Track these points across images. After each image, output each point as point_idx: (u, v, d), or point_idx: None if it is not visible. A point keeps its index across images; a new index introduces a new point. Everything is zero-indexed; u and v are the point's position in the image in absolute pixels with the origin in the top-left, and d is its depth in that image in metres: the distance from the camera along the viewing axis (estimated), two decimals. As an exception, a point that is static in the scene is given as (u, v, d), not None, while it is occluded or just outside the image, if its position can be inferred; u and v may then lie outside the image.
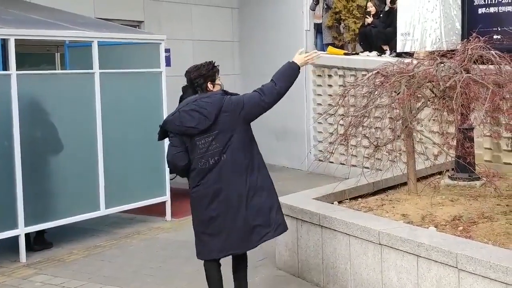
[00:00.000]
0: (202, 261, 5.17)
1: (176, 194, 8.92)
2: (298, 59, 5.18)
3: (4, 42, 7.90)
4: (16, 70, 6.79)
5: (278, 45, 12.56)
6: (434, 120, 6.74)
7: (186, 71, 4.97)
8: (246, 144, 4.96)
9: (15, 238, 6.85)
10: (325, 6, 11.87)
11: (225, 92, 4.95)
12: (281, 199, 6.44)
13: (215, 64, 4.98)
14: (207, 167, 4.84)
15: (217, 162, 4.83)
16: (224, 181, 4.84)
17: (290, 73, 5.10)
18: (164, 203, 8.47)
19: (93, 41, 7.61)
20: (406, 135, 6.52)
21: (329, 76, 11.55)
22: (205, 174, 4.85)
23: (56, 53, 10.29)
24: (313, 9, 12.05)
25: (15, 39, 6.82)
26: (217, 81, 4.96)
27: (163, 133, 5.00)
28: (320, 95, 11.77)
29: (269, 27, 12.78)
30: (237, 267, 5.18)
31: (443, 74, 6.15)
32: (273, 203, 5.02)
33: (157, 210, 8.54)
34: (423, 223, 5.59)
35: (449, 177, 7.07)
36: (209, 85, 4.92)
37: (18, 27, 7.08)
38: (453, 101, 5.89)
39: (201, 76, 4.89)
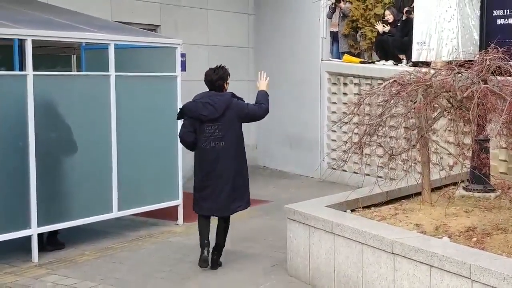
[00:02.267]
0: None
1: (188, 198, 8.87)
2: (263, 86, 6.82)
3: (21, 42, 7.95)
4: (33, 71, 6.82)
5: (293, 53, 12.57)
6: (450, 130, 6.71)
7: (206, 73, 6.59)
8: (238, 137, 6.58)
9: (28, 238, 6.88)
10: (341, 15, 11.86)
11: (233, 95, 6.60)
12: (294, 206, 6.48)
13: (225, 67, 6.63)
14: (208, 148, 6.47)
15: (215, 146, 6.45)
16: (218, 162, 6.46)
17: (266, 96, 6.75)
18: (176, 207, 8.48)
19: (109, 43, 7.65)
20: (422, 145, 6.49)
21: (345, 84, 11.52)
22: (206, 153, 6.48)
23: (72, 55, 10.32)
24: (329, 17, 12.04)
25: (32, 40, 6.85)
26: (228, 81, 6.62)
27: (181, 114, 6.63)
28: (335, 103, 11.74)
29: (285, 34, 12.78)
30: (219, 227, 6.71)
31: (460, 84, 6.13)
32: (247, 184, 6.71)
33: (169, 213, 8.55)
34: (436, 233, 5.55)
35: (463, 188, 7.02)
36: (225, 85, 6.59)
37: (35, 28, 7.11)
38: (470, 112, 5.86)
39: (220, 79, 6.54)
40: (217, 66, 6.65)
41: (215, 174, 6.47)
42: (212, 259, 6.58)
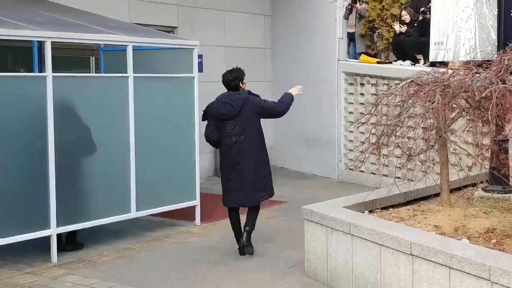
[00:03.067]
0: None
1: (206, 199, 8.95)
2: (291, 90, 7.36)
3: (40, 44, 8.02)
4: (52, 72, 6.87)
5: (310, 53, 12.56)
6: (468, 130, 6.67)
7: (223, 75, 7.15)
8: (257, 131, 7.09)
9: (47, 238, 6.93)
10: (358, 15, 11.83)
11: (250, 92, 7.12)
12: (311, 207, 6.47)
13: (241, 68, 7.21)
14: (230, 143, 7.00)
15: (237, 141, 6.98)
16: (241, 155, 6.98)
17: (289, 98, 7.26)
18: (194, 207, 8.50)
19: (128, 45, 7.69)
20: (440, 146, 6.46)
21: (362, 84, 11.50)
22: (229, 148, 7.03)
23: (91, 57, 10.39)
24: (346, 18, 12.02)
25: (51, 42, 6.90)
26: (244, 81, 7.17)
27: (205, 115, 7.15)
28: (352, 103, 11.72)
29: (302, 34, 12.77)
30: (248, 214, 7.22)
31: (478, 84, 6.09)
32: (269, 175, 7.22)
33: (187, 214, 8.57)
34: (455, 234, 5.52)
35: (482, 189, 6.98)
36: (240, 84, 7.13)
37: (54, 30, 7.16)
38: (489, 112, 5.82)
39: (236, 79, 7.11)
40: (233, 68, 7.21)
41: (237, 167, 6.99)
42: (241, 244, 7.11)
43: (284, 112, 7.19)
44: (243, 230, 7.09)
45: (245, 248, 7.06)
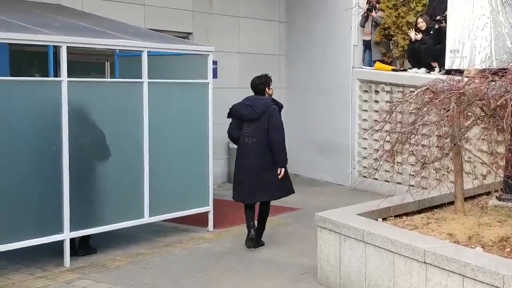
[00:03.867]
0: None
1: (219, 205, 8.95)
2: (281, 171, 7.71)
3: (56, 49, 8.07)
4: (67, 77, 6.90)
5: (324, 60, 12.55)
6: (483, 139, 6.63)
7: (252, 79, 7.83)
8: (267, 136, 7.54)
9: (60, 243, 6.96)
10: (373, 23, 11.82)
11: (274, 100, 7.70)
12: (324, 214, 6.45)
13: (269, 75, 7.89)
14: (243, 143, 7.62)
15: (249, 142, 7.55)
16: (249, 156, 7.54)
17: (284, 156, 7.67)
18: (207, 213, 8.50)
19: (143, 50, 7.72)
20: (455, 154, 6.42)
21: (376, 91, 11.48)
22: (242, 147, 7.64)
23: (106, 62, 10.44)
24: (362, 25, 12.00)
25: (66, 47, 6.94)
26: (270, 87, 7.84)
27: (230, 113, 7.72)
28: (366, 110, 11.69)
29: (317, 41, 12.77)
30: (259, 212, 7.79)
31: (494, 93, 6.05)
32: (273, 177, 7.55)
33: (200, 220, 8.58)
34: (469, 243, 5.48)
35: (497, 197, 6.93)
36: (266, 89, 7.78)
37: (70, 35, 7.20)
38: (504, 120, 5.78)
39: (262, 84, 7.76)
40: (261, 74, 7.90)
41: (246, 166, 7.57)
42: (249, 236, 7.67)
43: (278, 143, 7.49)
44: (256, 226, 7.70)
45: (247, 242, 7.68)
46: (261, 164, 7.48)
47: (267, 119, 7.46)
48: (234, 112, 7.67)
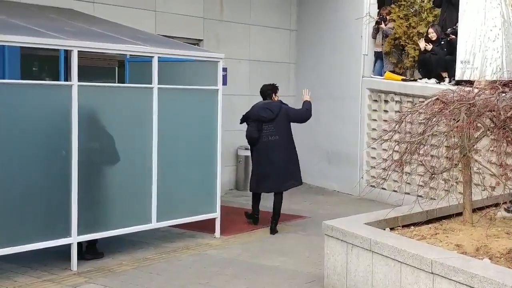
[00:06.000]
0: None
1: (226, 212, 8.95)
2: (307, 98, 9.09)
3: (67, 53, 8.10)
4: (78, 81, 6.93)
5: (334, 69, 12.55)
6: (492, 150, 6.61)
7: (262, 86, 9.14)
8: (288, 133, 8.87)
9: (67, 246, 6.97)
10: (384, 35, 11.81)
11: (281, 102, 8.98)
12: (332, 222, 6.44)
13: (276, 85, 9.18)
14: (265, 141, 8.72)
15: (272, 140, 8.68)
16: (274, 151, 8.69)
17: (310, 105, 9.05)
18: (214, 219, 8.50)
19: (153, 56, 7.74)
20: (464, 165, 6.40)
21: (385, 101, 11.46)
22: (265, 144, 8.72)
23: (116, 67, 10.48)
24: (374, 37, 12.00)
25: (77, 51, 6.97)
26: (277, 94, 9.09)
27: (244, 119, 9.00)
28: (375, 120, 11.68)
29: (327, 50, 12.78)
30: (275, 200, 8.87)
31: (504, 104, 6.05)
32: (297, 169, 8.94)
33: (207, 226, 8.57)
34: (477, 254, 5.46)
35: (505, 209, 6.90)
36: (273, 96, 9.04)
37: (81, 39, 7.23)
38: (513, 132, 5.77)
39: (270, 90, 9.06)
40: (270, 83, 9.14)
41: (270, 160, 8.68)
42: (270, 226, 8.79)
43: (308, 116, 8.97)
44: (272, 214, 8.79)
45: (270, 230, 8.76)
46: (286, 158, 8.74)
47: (284, 116, 8.72)
48: (253, 116, 8.81)
